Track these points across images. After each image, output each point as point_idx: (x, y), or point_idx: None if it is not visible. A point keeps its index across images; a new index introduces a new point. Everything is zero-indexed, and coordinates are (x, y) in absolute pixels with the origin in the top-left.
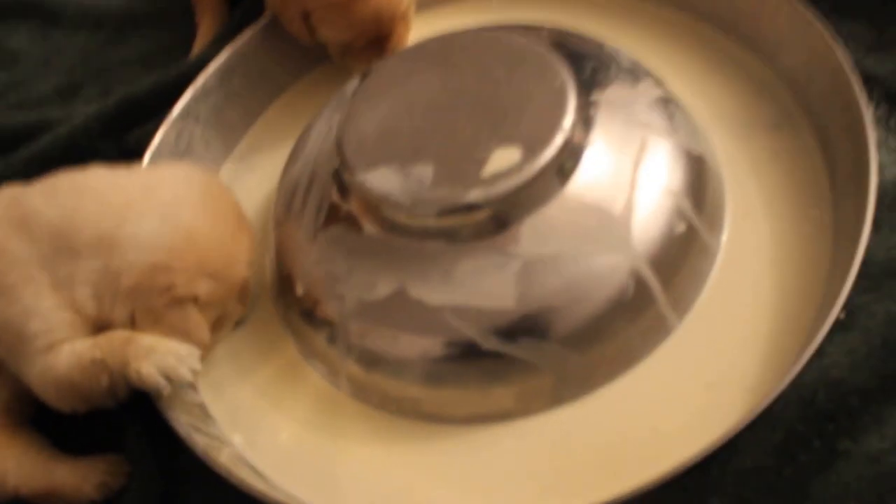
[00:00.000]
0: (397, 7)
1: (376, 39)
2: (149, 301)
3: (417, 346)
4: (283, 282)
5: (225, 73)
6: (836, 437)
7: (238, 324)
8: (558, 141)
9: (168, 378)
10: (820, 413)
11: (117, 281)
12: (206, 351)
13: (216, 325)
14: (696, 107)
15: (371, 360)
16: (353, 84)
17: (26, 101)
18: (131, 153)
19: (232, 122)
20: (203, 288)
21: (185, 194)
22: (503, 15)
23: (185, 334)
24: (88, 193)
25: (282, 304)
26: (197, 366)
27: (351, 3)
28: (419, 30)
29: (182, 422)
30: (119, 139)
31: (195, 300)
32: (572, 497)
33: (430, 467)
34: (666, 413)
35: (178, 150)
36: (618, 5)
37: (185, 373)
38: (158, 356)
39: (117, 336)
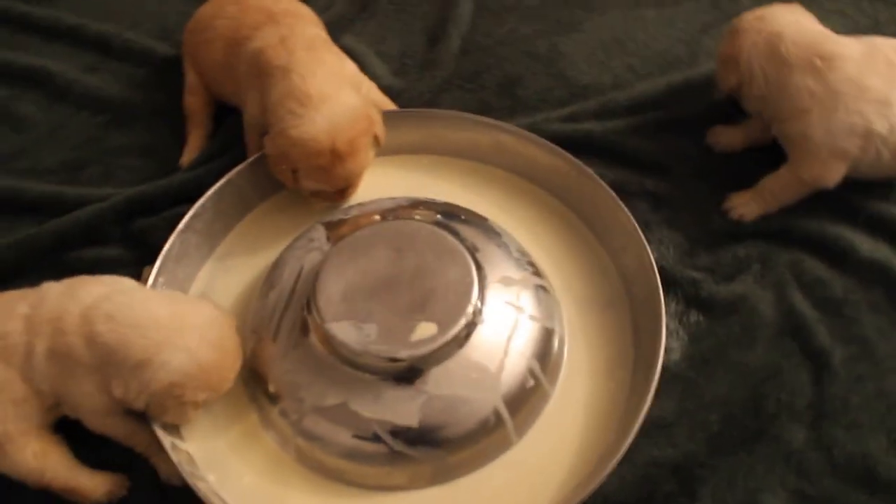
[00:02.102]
0: (363, 169)
1: (343, 190)
2: (162, 401)
3: (350, 439)
4: (255, 375)
5: (219, 196)
6: None
7: None
8: (462, 322)
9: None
10: None
11: (145, 386)
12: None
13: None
14: (554, 282)
15: (314, 440)
16: (318, 234)
17: (35, 169)
18: (134, 238)
19: (215, 232)
20: (202, 397)
21: (206, 336)
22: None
23: (180, 420)
24: (142, 325)
25: (251, 386)
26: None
27: (331, 167)
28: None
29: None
30: (125, 226)
31: (195, 404)
32: None
33: None
34: (502, 500)
35: (176, 254)
36: (504, 184)
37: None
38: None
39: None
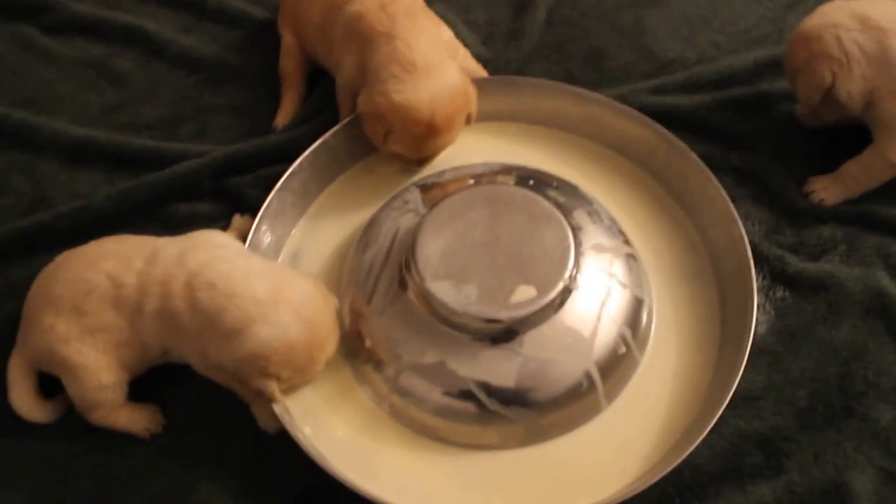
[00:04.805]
0: (451, 144)
1: (427, 158)
2: (246, 369)
3: (445, 396)
4: (352, 331)
5: (315, 156)
6: (689, 500)
7: None
8: (560, 287)
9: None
10: (681, 484)
11: (233, 353)
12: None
13: (293, 386)
14: (642, 253)
15: (409, 397)
16: (413, 196)
17: (134, 124)
18: (227, 195)
19: (309, 191)
20: (285, 374)
21: (300, 313)
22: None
23: (264, 391)
24: (238, 295)
25: (346, 343)
26: None
27: (424, 138)
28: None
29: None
30: (220, 183)
31: (277, 378)
32: (522, 502)
33: (438, 471)
34: (589, 464)
35: (274, 212)
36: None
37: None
38: None
39: None
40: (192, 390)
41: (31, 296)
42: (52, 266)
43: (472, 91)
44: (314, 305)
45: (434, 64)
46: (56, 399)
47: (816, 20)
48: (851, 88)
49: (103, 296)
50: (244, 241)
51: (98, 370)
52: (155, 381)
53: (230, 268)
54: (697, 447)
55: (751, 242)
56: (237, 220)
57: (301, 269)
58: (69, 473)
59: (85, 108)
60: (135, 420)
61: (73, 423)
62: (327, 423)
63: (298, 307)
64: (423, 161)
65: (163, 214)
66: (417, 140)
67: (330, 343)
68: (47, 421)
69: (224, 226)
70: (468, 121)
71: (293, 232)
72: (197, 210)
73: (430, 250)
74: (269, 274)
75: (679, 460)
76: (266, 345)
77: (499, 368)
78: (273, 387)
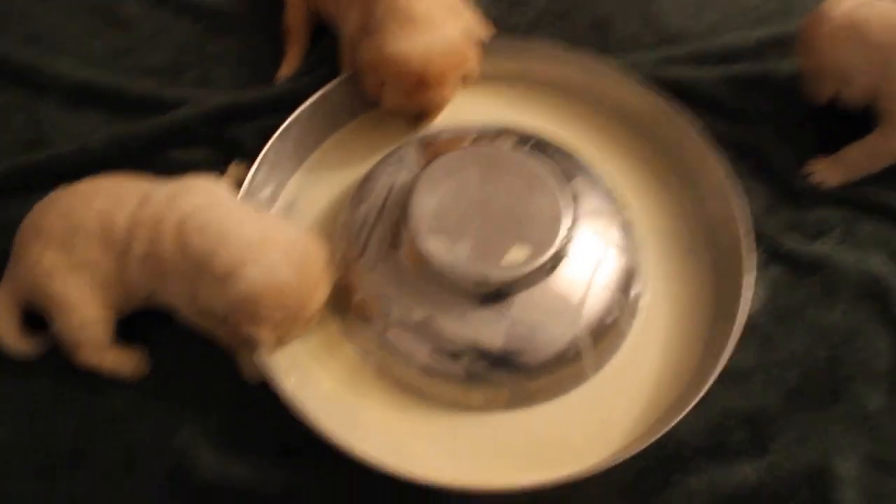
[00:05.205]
0: (445, 102)
1: (423, 115)
2: (237, 315)
3: (431, 355)
4: (342, 285)
5: (315, 108)
6: (671, 473)
7: None
8: (553, 250)
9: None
10: (665, 456)
11: (223, 298)
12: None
13: (283, 336)
14: (639, 224)
15: (396, 354)
16: (409, 153)
17: (138, 68)
18: (225, 143)
19: (307, 143)
20: (274, 320)
21: (290, 255)
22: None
23: (251, 341)
24: (230, 239)
25: (334, 296)
26: None
27: (415, 91)
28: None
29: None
30: (220, 131)
31: (266, 326)
32: (504, 466)
33: (421, 431)
34: (573, 432)
35: (271, 161)
36: (593, 120)
37: None
38: None
39: None
40: (180, 334)
41: (22, 228)
42: (45, 200)
43: (472, 51)
44: (304, 249)
45: (433, 19)
46: (41, 335)
47: (824, 21)
48: (856, 94)
49: (91, 233)
50: (239, 189)
51: (82, 307)
52: (142, 322)
53: (221, 213)
54: (682, 422)
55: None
56: (233, 167)
57: (296, 220)
58: (53, 413)
59: (89, 52)
60: (121, 362)
61: (58, 364)
62: (312, 376)
63: (288, 249)
64: (421, 118)
65: (160, 159)
66: (409, 93)
67: (320, 289)
68: (30, 356)
69: (220, 173)
70: (466, 80)
71: (290, 183)
72: (194, 157)
73: (425, 207)
74: (259, 220)
75: (662, 432)
76: (256, 287)
77: (486, 329)
78: (263, 334)
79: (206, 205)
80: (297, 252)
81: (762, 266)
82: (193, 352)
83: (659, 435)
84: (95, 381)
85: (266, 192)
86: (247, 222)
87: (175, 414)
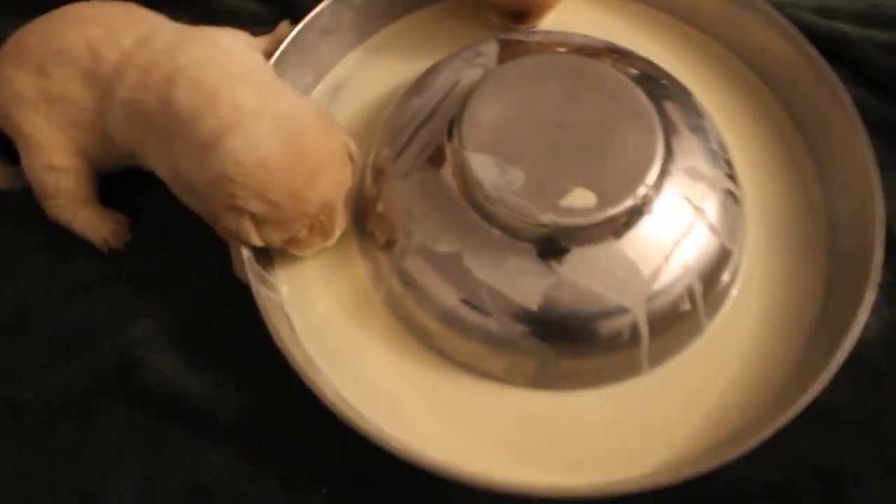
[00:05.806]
0: (549, 4)
1: (522, 13)
2: (216, 197)
3: (451, 297)
4: (366, 190)
5: None
6: None
7: None
8: (628, 203)
9: None
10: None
11: (204, 168)
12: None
13: (292, 244)
14: (747, 197)
15: (410, 287)
16: (489, 49)
17: None
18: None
19: (373, 16)
20: (257, 208)
21: (282, 125)
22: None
23: (235, 235)
24: (220, 102)
25: (355, 206)
26: None
27: None
28: None
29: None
30: None
31: (251, 215)
32: (508, 454)
33: (421, 387)
34: (602, 433)
35: (324, 25)
36: (720, 63)
37: None
38: None
39: None
40: (173, 209)
41: (4, 45)
42: (36, 20)
43: None
44: (305, 123)
45: None
46: (18, 168)
47: None
48: None
49: (74, 62)
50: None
51: (48, 147)
52: (135, 189)
53: (219, 72)
54: (741, 457)
55: (885, 225)
56: (283, 27)
57: (339, 105)
58: (10, 269)
59: None
60: (94, 226)
61: (30, 215)
62: (311, 290)
63: (282, 118)
64: (520, 17)
65: (207, 4)
66: None
67: (323, 183)
68: (3, 188)
69: (269, 31)
70: None
71: (344, 58)
72: (245, 6)
73: (483, 115)
74: (264, 88)
75: (714, 464)
76: (237, 159)
77: (523, 283)
78: (246, 227)
79: (207, 59)
80: (292, 123)
81: (889, 286)
82: (182, 234)
83: (710, 467)
84: (64, 243)
85: (310, 62)
86: (246, 87)
87: (138, 300)
